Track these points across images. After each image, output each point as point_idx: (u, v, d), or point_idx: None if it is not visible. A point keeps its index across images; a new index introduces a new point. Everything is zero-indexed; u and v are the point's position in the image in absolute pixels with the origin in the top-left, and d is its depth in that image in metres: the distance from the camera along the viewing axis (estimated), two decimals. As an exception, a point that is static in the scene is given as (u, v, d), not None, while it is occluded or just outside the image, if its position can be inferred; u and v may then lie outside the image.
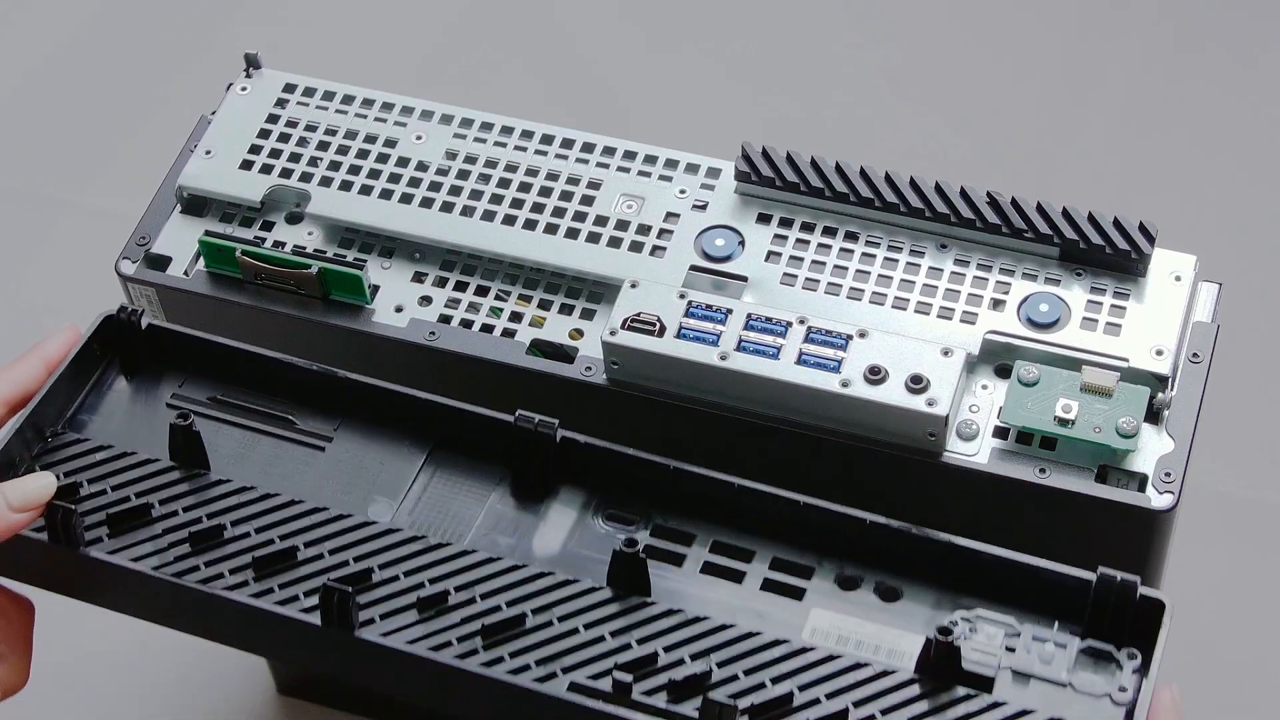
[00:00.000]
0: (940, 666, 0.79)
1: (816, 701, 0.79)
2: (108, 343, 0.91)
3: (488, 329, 0.92)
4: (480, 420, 0.86)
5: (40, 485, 0.83)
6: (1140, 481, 0.85)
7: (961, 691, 0.79)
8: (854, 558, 0.84)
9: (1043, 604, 0.82)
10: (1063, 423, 0.85)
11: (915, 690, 0.79)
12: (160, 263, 0.94)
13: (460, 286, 0.93)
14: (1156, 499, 0.84)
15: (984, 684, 0.79)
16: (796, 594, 0.83)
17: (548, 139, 0.97)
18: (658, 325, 0.87)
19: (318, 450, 0.88)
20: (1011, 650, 0.80)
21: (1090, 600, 0.80)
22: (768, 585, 0.84)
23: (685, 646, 0.81)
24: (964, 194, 0.92)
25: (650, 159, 0.96)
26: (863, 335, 0.86)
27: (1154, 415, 0.87)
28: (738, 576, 0.84)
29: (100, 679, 1.20)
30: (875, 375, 0.85)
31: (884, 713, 0.78)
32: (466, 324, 0.92)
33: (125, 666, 1.20)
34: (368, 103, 0.99)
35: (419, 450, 0.88)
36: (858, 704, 0.79)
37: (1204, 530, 1.22)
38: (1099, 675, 0.80)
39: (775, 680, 0.80)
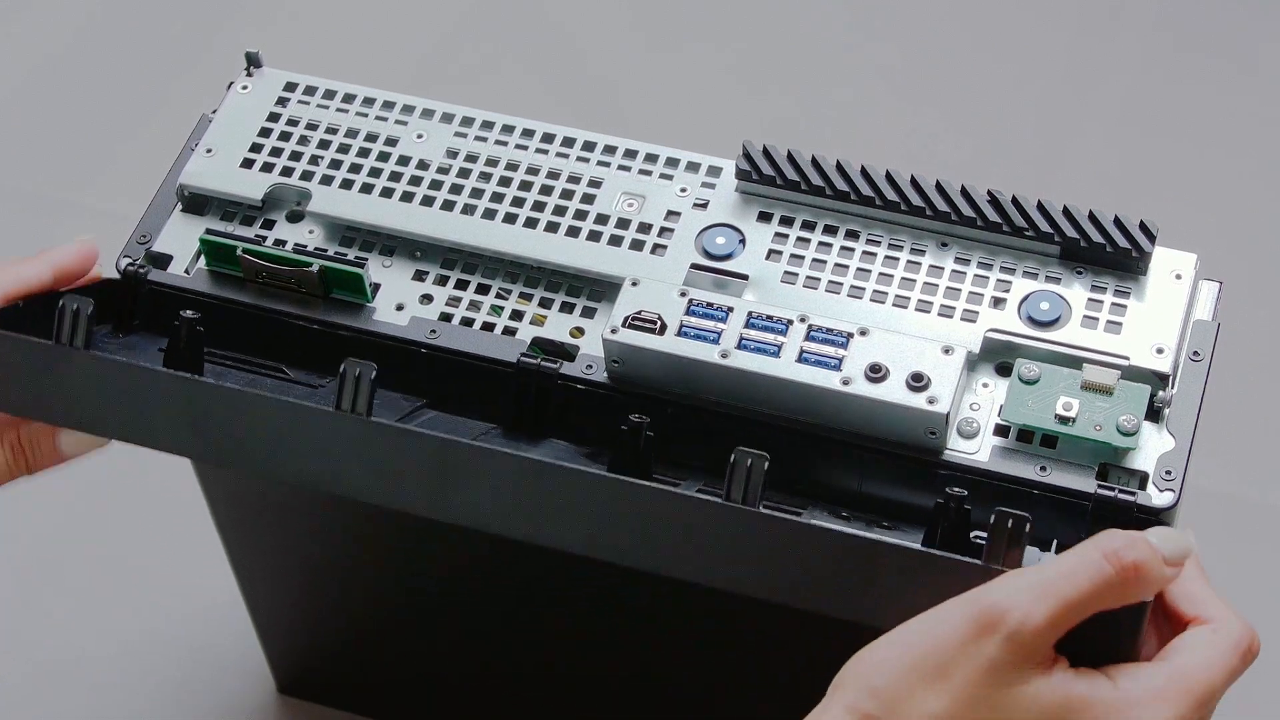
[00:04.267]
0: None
1: None
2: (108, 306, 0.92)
3: (489, 327, 0.92)
4: (475, 372, 0.89)
5: None
6: (1141, 479, 0.85)
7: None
8: (845, 500, 0.86)
9: (1043, 528, 0.83)
10: (1063, 421, 0.85)
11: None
12: (161, 261, 0.95)
13: (461, 285, 0.93)
14: (1157, 497, 0.84)
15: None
16: None
17: (548, 137, 0.97)
18: (659, 323, 0.87)
19: None
20: None
21: (1088, 519, 0.83)
22: None
23: None
24: (965, 192, 0.92)
25: (651, 157, 0.96)
26: (863, 333, 0.86)
27: (1155, 413, 0.87)
28: None
29: (100, 679, 1.20)
30: (876, 373, 0.85)
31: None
32: (467, 322, 0.92)
33: (125, 666, 1.20)
34: (368, 101, 0.99)
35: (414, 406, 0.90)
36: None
37: (1204, 530, 1.22)
38: None
39: None
